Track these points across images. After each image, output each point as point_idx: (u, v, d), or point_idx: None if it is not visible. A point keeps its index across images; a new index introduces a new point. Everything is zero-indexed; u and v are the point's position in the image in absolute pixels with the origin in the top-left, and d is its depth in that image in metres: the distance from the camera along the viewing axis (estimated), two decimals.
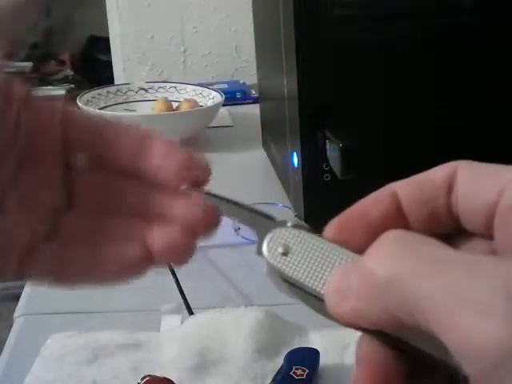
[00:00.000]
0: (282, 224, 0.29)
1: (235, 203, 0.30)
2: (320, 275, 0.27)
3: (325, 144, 0.71)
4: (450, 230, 0.28)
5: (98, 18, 1.91)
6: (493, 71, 0.73)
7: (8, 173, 0.31)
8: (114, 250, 0.31)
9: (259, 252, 0.28)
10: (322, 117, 0.71)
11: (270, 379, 0.54)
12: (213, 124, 1.13)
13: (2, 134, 0.30)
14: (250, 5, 1.01)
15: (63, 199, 0.32)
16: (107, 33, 1.52)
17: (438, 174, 0.28)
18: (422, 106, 0.74)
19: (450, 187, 0.27)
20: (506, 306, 0.20)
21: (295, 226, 0.28)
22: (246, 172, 0.98)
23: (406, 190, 0.28)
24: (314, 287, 0.27)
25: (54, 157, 0.32)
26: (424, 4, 0.72)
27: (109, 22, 1.51)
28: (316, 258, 0.27)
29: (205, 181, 0.32)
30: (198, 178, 0.32)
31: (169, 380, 0.52)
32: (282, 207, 0.79)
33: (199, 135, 1.11)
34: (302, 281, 0.27)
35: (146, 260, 0.30)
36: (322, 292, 0.27)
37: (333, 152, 0.69)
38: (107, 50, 1.57)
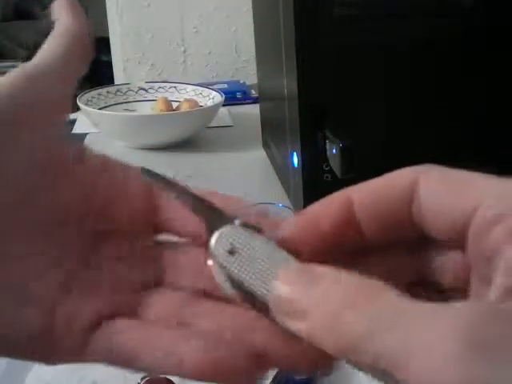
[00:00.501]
0: (231, 221, 0.28)
1: (187, 192, 0.29)
2: (264, 278, 0.27)
3: (325, 144, 0.71)
4: (410, 238, 0.27)
5: (98, 18, 1.91)
6: (493, 71, 0.73)
7: (82, 243, 0.30)
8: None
9: (207, 246, 0.28)
10: (321, 117, 0.71)
11: (269, 379, 0.54)
12: (213, 124, 1.13)
13: (76, 199, 0.30)
14: (250, 5, 1.01)
15: (144, 275, 0.30)
16: (107, 33, 1.53)
17: (397, 180, 0.27)
18: (422, 105, 0.74)
19: (411, 196, 0.26)
20: (457, 350, 0.20)
21: (244, 226, 0.28)
22: (246, 172, 0.98)
23: (362, 196, 0.27)
24: (257, 288, 0.27)
25: (136, 229, 0.30)
26: (424, 4, 0.72)
27: (109, 22, 1.51)
28: (261, 260, 0.27)
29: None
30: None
31: (169, 380, 0.52)
32: (282, 207, 0.79)
33: (199, 135, 1.11)
34: (245, 281, 0.27)
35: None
36: (266, 295, 0.26)
37: (333, 152, 0.69)
38: (107, 49, 1.57)
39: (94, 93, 1.15)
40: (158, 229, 0.31)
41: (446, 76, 0.73)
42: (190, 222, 0.29)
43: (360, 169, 0.70)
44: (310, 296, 0.24)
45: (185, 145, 1.08)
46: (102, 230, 0.30)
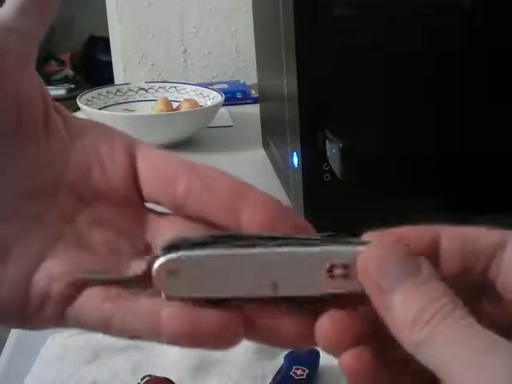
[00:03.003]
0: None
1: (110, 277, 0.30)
2: (215, 285, 0.28)
3: (325, 144, 0.71)
4: (479, 288, 0.29)
5: (98, 18, 1.91)
6: (493, 71, 0.73)
7: (66, 209, 0.30)
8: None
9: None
10: (322, 117, 0.71)
11: (269, 379, 0.54)
12: (213, 124, 1.13)
13: (54, 163, 0.30)
14: (250, 5, 1.01)
15: (130, 242, 0.31)
16: (107, 33, 1.53)
17: (487, 235, 0.29)
18: (422, 105, 0.74)
19: (494, 253, 0.28)
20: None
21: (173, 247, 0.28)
22: (246, 172, 0.97)
23: (450, 238, 0.29)
24: (212, 296, 0.28)
25: (119, 196, 0.31)
26: (424, 4, 0.72)
27: (109, 22, 1.51)
28: (206, 268, 0.28)
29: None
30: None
31: (169, 380, 0.52)
32: None
33: (199, 135, 1.11)
34: (197, 295, 0.28)
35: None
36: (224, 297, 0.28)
37: (333, 152, 0.69)
38: (107, 49, 1.57)
39: (94, 93, 1.15)
40: (144, 197, 0.31)
41: (446, 76, 0.73)
42: (170, 193, 0.30)
43: (360, 169, 0.70)
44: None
45: (185, 145, 1.08)
46: (82, 193, 0.30)
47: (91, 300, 0.29)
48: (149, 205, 0.32)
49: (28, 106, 0.29)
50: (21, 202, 0.29)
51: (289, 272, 0.28)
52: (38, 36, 0.31)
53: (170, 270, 0.28)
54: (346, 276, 0.28)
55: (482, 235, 0.29)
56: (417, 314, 0.25)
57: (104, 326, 0.29)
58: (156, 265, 0.28)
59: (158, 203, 0.31)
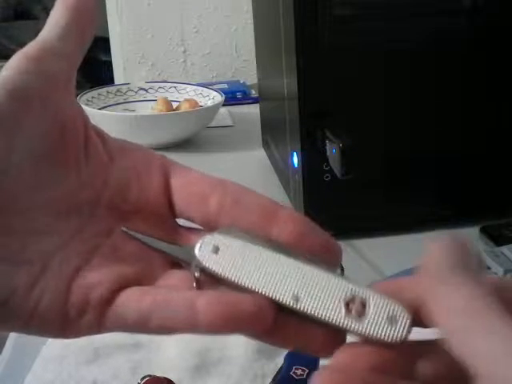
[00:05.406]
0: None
1: (157, 243, 0.32)
2: (247, 272, 0.30)
3: (325, 144, 0.71)
4: None
5: (98, 18, 1.90)
6: (493, 71, 0.73)
7: (102, 223, 0.31)
8: None
9: (191, 258, 0.30)
10: (321, 117, 0.71)
11: (269, 379, 0.54)
12: (213, 124, 1.13)
13: (94, 180, 0.31)
14: (250, 5, 1.01)
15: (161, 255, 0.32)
16: (107, 33, 1.53)
17: None
18: (422, 105, 0.74)
19: None
20: None
21: (222, 232, 0.31)
22: (246, 172, 0.98)
23: None
24: (241, 283, 0.30)
25: (153, 211, 0.32)
26: (424, 4, 0.72)
27: (109, 22, 1.51)
28: (244, 256, 0.30)
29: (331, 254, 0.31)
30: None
31: (169, 380, 0.52)
32: None
33: (199, 135, 1.11)
34: (230, 277, 0.30)
35: None
36: (250, 287, 0.29)
37: (333, 152, 0.69)
38: (107, 49, 1.57)
39: (94, 93, 1.15)
40: (177, 214, 0.33)
41: (446, 76, 0.73)
42: (203, 209, 0.32)
43: (360, 169, 0.70)
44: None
45: (185, 145, 1.08)
46: (119, 210, 0.32)
47: (129, 299, 0.30)
48: (180, 221, 0.33)
49: (70, 129, 0.31)
50: (60, 219, 0.30)
51: (310, 289, 0.30)
52: (78, 60, 0.32)
53: (214, 244, 0.30)
54: (361, 315, 0.29)
55: None
56: (460, 304, 0.25)
57: (143, 324, 0.29)
58: (205, 238, 0.31)
59: (190, 219, 0.33)
